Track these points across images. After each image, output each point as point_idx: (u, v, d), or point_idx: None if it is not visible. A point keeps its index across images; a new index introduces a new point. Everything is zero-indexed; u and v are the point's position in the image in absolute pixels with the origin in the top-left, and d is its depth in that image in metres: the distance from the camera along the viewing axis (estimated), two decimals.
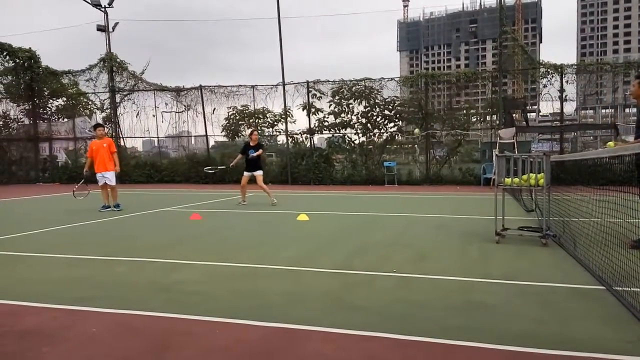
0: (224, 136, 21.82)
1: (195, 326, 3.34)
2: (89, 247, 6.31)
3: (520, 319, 3.40)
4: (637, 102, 5.99)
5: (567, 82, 17.81)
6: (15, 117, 23.66)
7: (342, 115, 19.88)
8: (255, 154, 11.43)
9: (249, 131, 14.11)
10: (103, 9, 22.07)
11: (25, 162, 23.76)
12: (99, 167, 10.55)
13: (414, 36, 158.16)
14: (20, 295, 4.12)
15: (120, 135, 22.33)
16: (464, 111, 19.91)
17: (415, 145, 20.17)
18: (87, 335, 3.22)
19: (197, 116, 21.44)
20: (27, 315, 3.65)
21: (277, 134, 21.61)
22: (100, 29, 22.15)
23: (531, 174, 6.15)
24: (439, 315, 3.51)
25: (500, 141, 15.93)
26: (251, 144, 11.64)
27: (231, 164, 12.69)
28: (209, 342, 3.06)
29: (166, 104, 21.84)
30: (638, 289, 3.55)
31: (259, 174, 11.57)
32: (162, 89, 21.87)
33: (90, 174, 10.80)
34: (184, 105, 21.60)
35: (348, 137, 20.22)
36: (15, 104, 23.41)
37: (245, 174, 11.65)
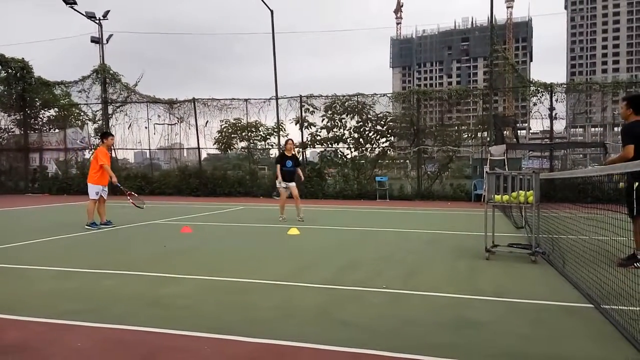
0: (216, 149, 21.82)
1: (183, 341, 3.31)
2: (77, 260, 6.24)
3: (509, 336, 3.41)
4: (626, 122, 6.13)
5: (557, 100, 18.06)
6: (6, 127, 23.50)
7: (335, 129, 19.98)
8: (298, 172, 10.94)
9: (283, 141, 12.98)
10: (97, 21, 22.14)
11: (14, 173, 23.53)
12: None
13: (407, 53, 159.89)
14: (4, 308, 4.06)
15: (112, 147, 22.21)
16: (456, 128, 20.09)
17: (407, 161, 20.28)
18: (72, 350, 3.17)
19: (189, 128, 21.42)
20: (11, 329, 3.59)
21: (270, 147, 21.65)
22: (94, 40, 22.19)
23: (521, 192, 6.20)
24: (428, 332, 3.50)
25: (491, 158, 16.06)
26: (287, 154, 11.05)
27: (277, 181, 11.21)
28: (196, 358, 3.03)
29: (159, 116, 21.82)
30: (625, 307, 3.58)
31: (293, 185, 10.99)
32: (155, 101, 21.86)
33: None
34: (177, 118, 21.58)
35: (340, 151, 20.29)
36: (6, 114, 23.26)
37: (282, 184, 10.92)
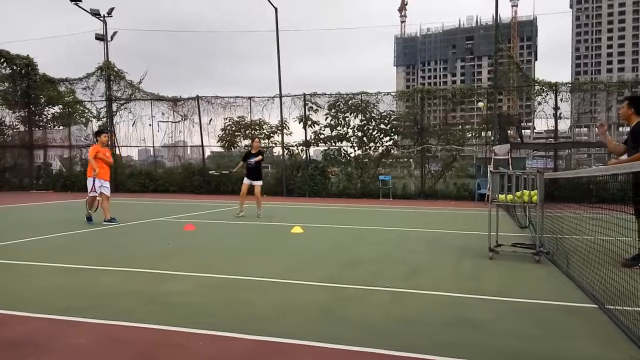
0: (220, 146, 21.84)
1: (183, 338, 3.30)
2: (80, 256, 6.25)
3: (512, 336, 3.38)
4: (627, 123, 6.13)
5: (561, 100, 18.00)
6: (11, 123, 23.61)
7: (338, 128, 19.96)
8: (254, 160, 11.38)
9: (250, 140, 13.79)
10: (102, 18, 22.17)
11: (19, 169, 23.64)
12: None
13: (411, 52, 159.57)
14: (7, 304, 4.06)
15: (116, 144, 22.30)
16: (459, 127, 20.04)
17: (411, 160, 20.25)
18: (73, 346, 3.17)
19: (193, 126, 21.49)
20: (13, 324, 3.60)
21: (273, 145, 21.65)
22: (99, 37, 22.23)
23: (525, 191, 6.17)
24: (430, 331, 3.48)
25: (495, 157, 16.01)
26: (252, 151, 11.64)
27: (234, 170, 12.56)
28: (196, 355, 3.02)
29: (163, 114, 21.89)
30: (630, 308, 3.55)
31: (258, 183, 11.57)
32: (159, 98, 21.90)
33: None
34: (181, 115, 21.64)
35: (344, 150, 20.28)
36: (11, 111, 23.37)
37: (245, 181, 11.55)
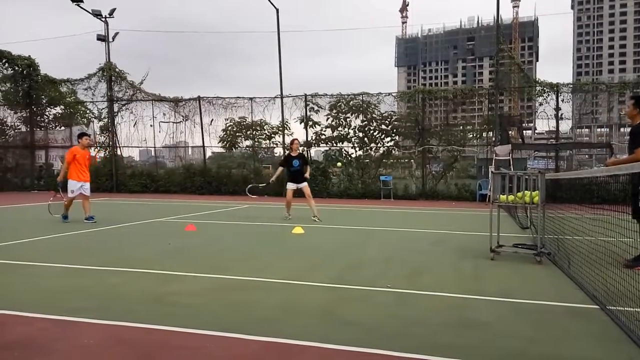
0: (221, 147, 21.86)
1: (188, 339, 3.31)
2: (82, 257, 6.26)
3: (513, 337, 3.39)
4: (631, 122, 6.11)
5: (562, 100, 17.99)
6: (12, 124, 23.65)
7: (339, 128, 19.98)
8: (306, 174, 10.80)
9: (288, 141, 12.42)
10: (103, 19, 22.21)
11: (20, 170, 23.67)
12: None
13: (412, 52, 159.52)
14: (10, 304, 4.07)
15: (117, 145, 22.33)
16: (461, 127, 20.05)
17: (412, 160, 20.26)
18: (77, 347, 3.18)
19: (194, 127, 21.49)
20: (17, 325, 3.61)
21: (274, 146, 21.66)
22: (100, 38, 22.26)
23: (526, 192, 6.18)
24: (432, 332, 3.49)
25: (496, 158, 16.02)
26: (292, 154, 10.99)
27: (271, 179, 11.88)
28: (203, 356, 3.03)
29: (164, 114, 21.92)
30: (631, 309, 3.56)
31: (305, 185, 10.86)
32: (161, 99, 21.92)
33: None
34: (182, 116, 21.66)
35: (345, 150, 20.29)
36: (12, 111, 23.41)
37: (290, 186, 10.87)
